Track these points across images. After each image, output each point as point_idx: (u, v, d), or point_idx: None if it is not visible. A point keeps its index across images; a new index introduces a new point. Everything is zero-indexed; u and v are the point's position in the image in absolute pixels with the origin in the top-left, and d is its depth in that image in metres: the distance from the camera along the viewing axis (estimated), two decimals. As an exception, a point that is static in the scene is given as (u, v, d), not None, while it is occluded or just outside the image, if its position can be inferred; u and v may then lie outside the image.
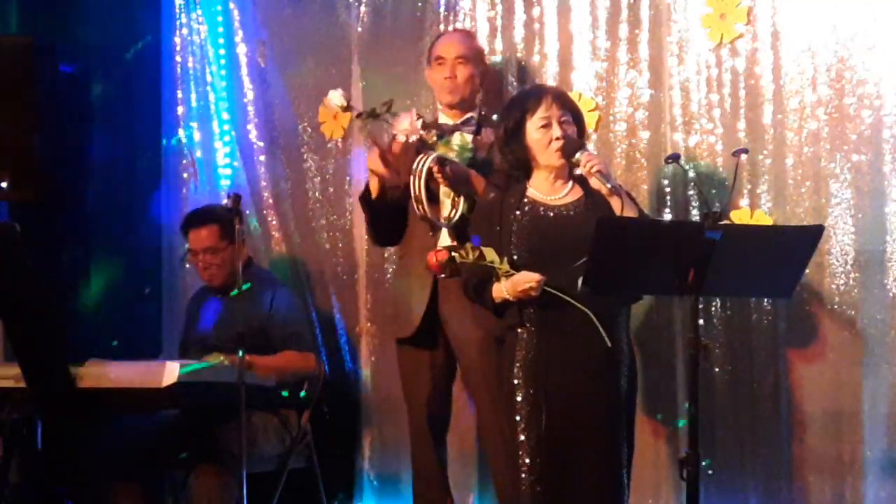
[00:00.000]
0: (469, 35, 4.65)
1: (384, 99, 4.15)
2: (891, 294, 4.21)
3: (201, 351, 4.66)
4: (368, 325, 5.14)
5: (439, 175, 4.08)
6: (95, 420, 4.35)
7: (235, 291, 4.24)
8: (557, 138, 3.80)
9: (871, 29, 4.23)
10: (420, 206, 4.10)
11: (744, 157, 4.09)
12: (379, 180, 4.28)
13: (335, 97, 4.22)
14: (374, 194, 4.32)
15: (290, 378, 4.65)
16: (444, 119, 4.43)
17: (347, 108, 4.23)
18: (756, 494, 4.37)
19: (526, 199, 3.85)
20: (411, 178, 4.06)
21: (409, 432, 4.54)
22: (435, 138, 4.17)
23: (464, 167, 4.16)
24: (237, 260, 4.35)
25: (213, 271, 4.79)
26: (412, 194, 4.08)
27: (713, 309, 4.42)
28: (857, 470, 4.24)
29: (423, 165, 4.05)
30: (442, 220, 4.18)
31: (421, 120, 4.20)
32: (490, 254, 3.69)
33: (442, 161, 4.09)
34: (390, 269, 5.08)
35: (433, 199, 4.17)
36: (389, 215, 4.39)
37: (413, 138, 4.11)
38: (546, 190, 3.87)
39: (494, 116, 4.62)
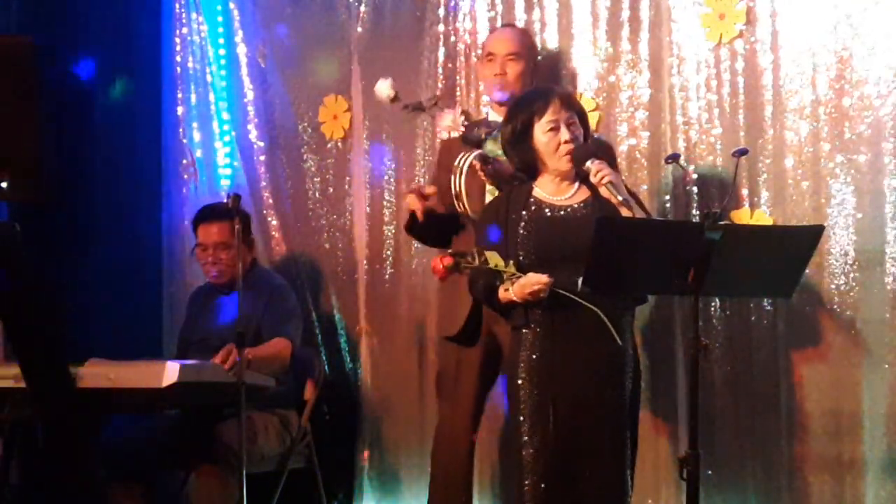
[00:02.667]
0: (522, 32, 4.57)
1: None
2: (891, 294, 4.21)
3: (203, 351, 4.66)
4: (368, 325, 5.15)
5: (482, 172, 4.04)
6: (95, 420, 4.35)
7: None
8: (566, 142, 3.79)
9: (871, 29, 4.23)
10: (460, 203, 4.06)
11: (744, 157, 4.09)
12: (422, 210, 4.23)
13: (383, 87, 4.19)
14: (420, 218, 4.24)
15: (275, 367, 4.60)
16: (494, 116, 4.37)
17: (395, 100, 4.20)
18: (756, 494, 4.37)
19: (532, 199, 3.84)
20: (453, 174, 4.02)
21: (437, 432, 4.43)
22: (483, 136, 4.14)
23: (508, 165, 4.13)
24: (239, 260, 4.35)
25: (221, 267, 4.78)
26: (453, 191, 4.04)
27: (713, 309, 4.42)
28: (857, 470, 4.24)
29: (464, 162, 4.02)
30: None
31: (463, 116, 4.16)
32: (494, 258, 3.68)
33: (485, 158, 4.03)
34: (390, 269, 5.09)
35: (479, 195, 4.13)
36: (438, 227, 4.32)
37: (454, 135, 4.09)
38: (552, 190, 3.86)
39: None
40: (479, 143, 4.11)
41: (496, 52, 4.38)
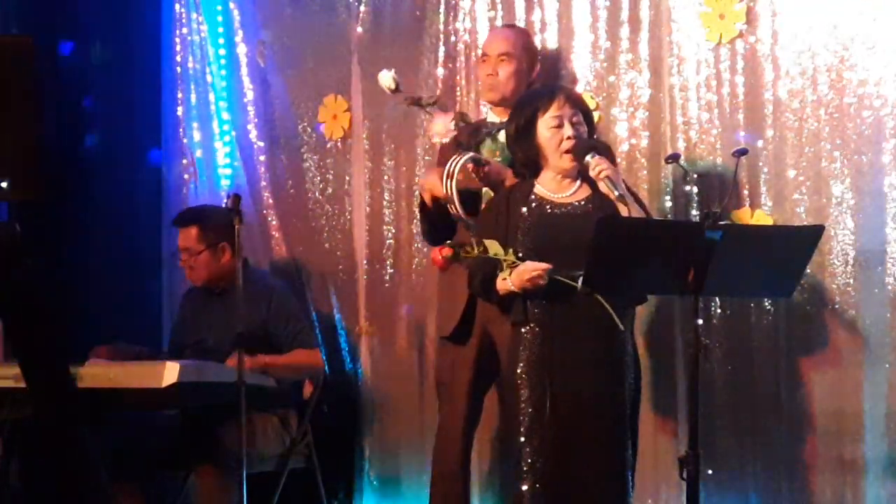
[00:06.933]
0: (518, 32, 4.54)
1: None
2: (891, 294, 4.21)
3: (198, 353, 4.66)
4: (368, 325, 5.14)
5: (475, 174, 4.01)
6: (95, 420, 4.36)
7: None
8: (569, 138, 3.79)
9: (871, 29, 4.23)
10: (452, 206, 4.02)
11: (744, 157, 4.09)
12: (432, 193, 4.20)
13: (386, 78, 4.18)
14: (429, 204, 4.21)
15: (302, 376, 4.69)
16: (493, 117, 4.36)
17: (396, 91, 4.19)
18: (756, 494, 4.37)
19: (533, 197, 3.84)
20: (444, 178, 3.99)
21: (438, 432, 4.43)
22: (476, 143, 4.11)
23: (502, 166, 4.09)
24: (214, 265, 4.37)
25: (188, 272, 4.84)
26: (444, 194, 4.01)
27: (713, 309, 4.42)
28: (858, 470, 4.24)
29: (455, 166, 3.99)
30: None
31: (460, 118, 4.15)
32: (493, 247, 3.68)
33: (478, 160, 4.02)
34: (390, 269, 5.08)
35: (476, 198, 4.09)
36: (445, 219, 4.26)
37: (445, 141, 4.08)
38: (553, 188, 3.86)
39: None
40: (471, 148, 4.09)
41: (489, 52, 4.39)
